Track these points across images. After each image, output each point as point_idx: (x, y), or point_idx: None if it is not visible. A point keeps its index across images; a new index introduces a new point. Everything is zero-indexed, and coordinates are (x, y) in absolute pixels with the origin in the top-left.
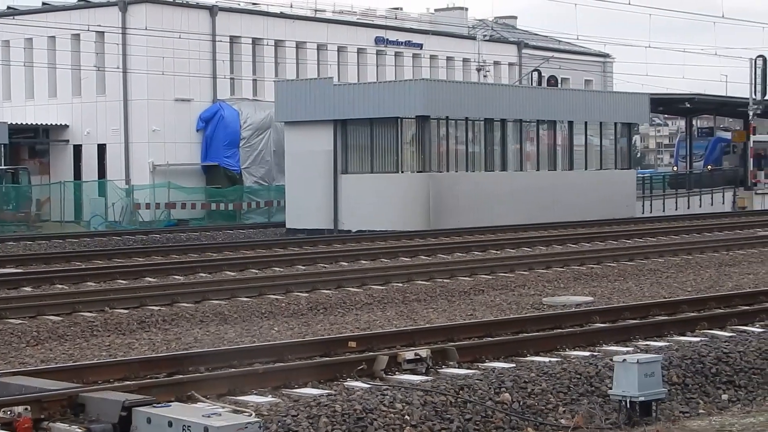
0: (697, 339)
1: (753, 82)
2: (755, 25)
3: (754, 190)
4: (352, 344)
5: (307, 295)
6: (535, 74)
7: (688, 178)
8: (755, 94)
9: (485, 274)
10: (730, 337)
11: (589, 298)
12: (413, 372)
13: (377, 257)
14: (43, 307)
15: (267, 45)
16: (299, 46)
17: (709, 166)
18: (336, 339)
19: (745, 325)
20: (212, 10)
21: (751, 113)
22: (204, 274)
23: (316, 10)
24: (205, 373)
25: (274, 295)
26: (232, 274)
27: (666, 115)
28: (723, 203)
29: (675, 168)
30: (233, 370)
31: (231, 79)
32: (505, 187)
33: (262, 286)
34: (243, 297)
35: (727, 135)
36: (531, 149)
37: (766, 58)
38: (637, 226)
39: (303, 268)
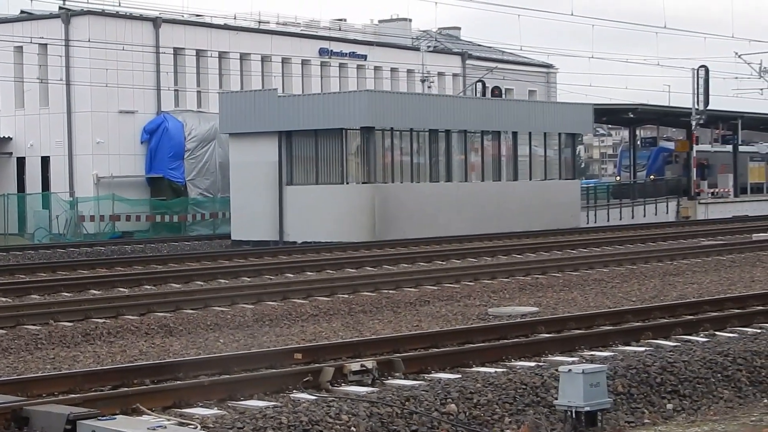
0: (642, 349)
1: (695, 92)
2: (697, 35)
3: (697, 200)
4: (298, 356)
5: (252, 306)
6: (479, 85)
7: (632, 187)
8: (698, 104)
9: (431, 285)
10: (675, 346)
11: (535, 309)
12: (359, 383)
13: (323, 269)
14: None
15: (211, 57)
16: (243, 57)
17: (651, 176)
18: (282, 351)
19: (690, 334)
20: (156, 22)
21: (693, 123)
22: (149, 287)
23: (260, 22)
24: (151, 386)
25: (219, 307)
26: (177, 286)
27: (610, 126)
28: (667, 213)
29: (618, 178)
30: (179, 382)
31: (175, 90)
32: (450, 197)
33: (208, 298)
34: (188, 309)
35: (670, 145)
36: (476, 160)
37: (708, 68)
38: (581, 236)
39: (248, 279)
